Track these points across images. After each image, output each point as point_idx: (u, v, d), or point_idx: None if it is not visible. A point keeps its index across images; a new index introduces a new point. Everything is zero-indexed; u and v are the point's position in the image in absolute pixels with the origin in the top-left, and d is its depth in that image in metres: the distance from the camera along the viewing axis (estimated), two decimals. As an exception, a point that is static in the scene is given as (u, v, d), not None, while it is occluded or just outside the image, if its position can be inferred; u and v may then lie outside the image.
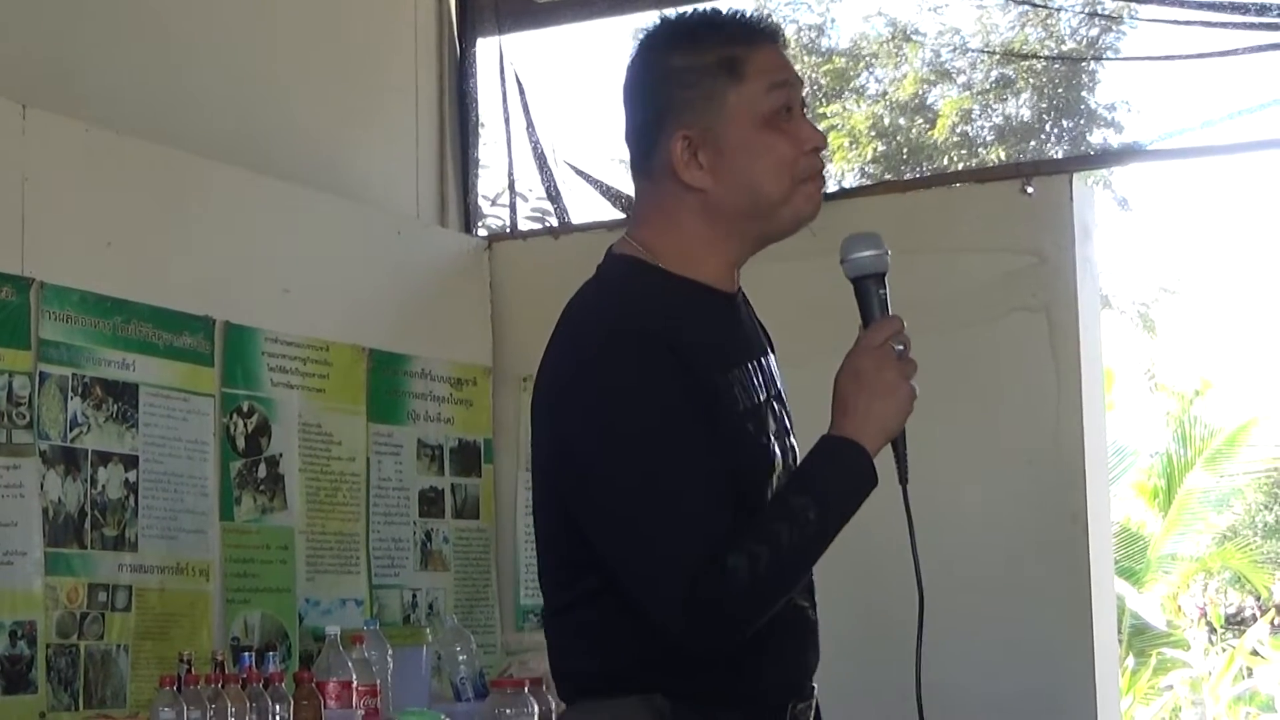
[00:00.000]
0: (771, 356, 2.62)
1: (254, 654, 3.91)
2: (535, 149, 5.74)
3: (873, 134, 18.91)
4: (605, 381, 2.37)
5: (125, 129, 4.26)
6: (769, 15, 2.59)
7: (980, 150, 18.80)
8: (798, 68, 2.62)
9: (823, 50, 19.33)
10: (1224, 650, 13.18)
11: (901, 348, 2.43)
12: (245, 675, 3.80)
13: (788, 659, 2.48)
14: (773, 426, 2.50)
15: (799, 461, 2.49)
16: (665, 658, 2.37)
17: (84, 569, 4.00)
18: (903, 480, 2.47)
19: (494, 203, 6.60)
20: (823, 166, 2.54)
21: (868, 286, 2.49)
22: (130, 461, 4.15)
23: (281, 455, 4.57)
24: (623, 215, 5.38)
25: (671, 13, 2.56)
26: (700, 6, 2.65)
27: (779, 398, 2.56)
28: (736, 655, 2.38)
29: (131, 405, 4.16)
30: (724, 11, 2.56)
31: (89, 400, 4.06)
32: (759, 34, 2.50)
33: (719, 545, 2.27)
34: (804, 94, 2.56)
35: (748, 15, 2.56)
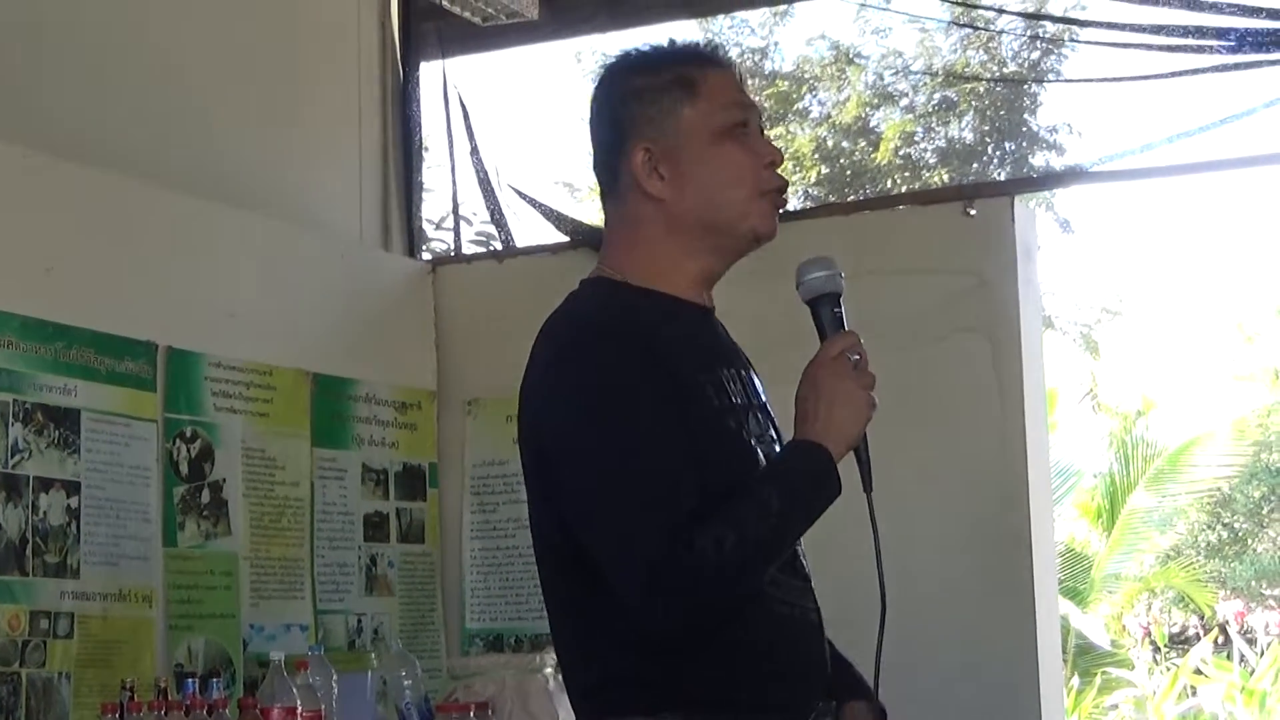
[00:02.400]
0: (754, 373, 2.70)
1: (197, 680, 3.88)
2: (479, 173, 5.74)
3: (816, 157, 19.01)
4: (576, 374, 2.46)
5: (65, 153, 4.23)
6: (722, 47, 2.73)
7: (923, 173, 18.91)
8: (741, 91, 2.70)
9: (766, 74, 19.42)
10: (1168, 669, 13.22)
11: (857, 358, 2.51)
12: (189, 702, 3.77)
13: (794, 662, 2.51)
14: (756, 430, 2.57)
15: None
16: (664, 664, 2.40)
17: (25, 596, 3.97)
18: (867, 489, 2.54)
19: (438, 226, 6.59)
20: (783, 184, 2.63)
21: (822, 307, 2.57)
22: (72, 487, 4.12)
23: (225, 480, 4.55)
24: (566, 239, 5.38)
25: (632, 45, 2.70)
26: (654, 38, 2.76)
27: (763, 409, 2.64)
28: (743, 660, 2.43)
29: (73, 431, 4.13)
30: (681, 41, 2.74)
31: (30, 426, 4.03)
32: (712, 60, 2.67)
33: (686, 527, 2.32)
34: (761, 120, 2.66)
35: (702, 44, 2.73)
